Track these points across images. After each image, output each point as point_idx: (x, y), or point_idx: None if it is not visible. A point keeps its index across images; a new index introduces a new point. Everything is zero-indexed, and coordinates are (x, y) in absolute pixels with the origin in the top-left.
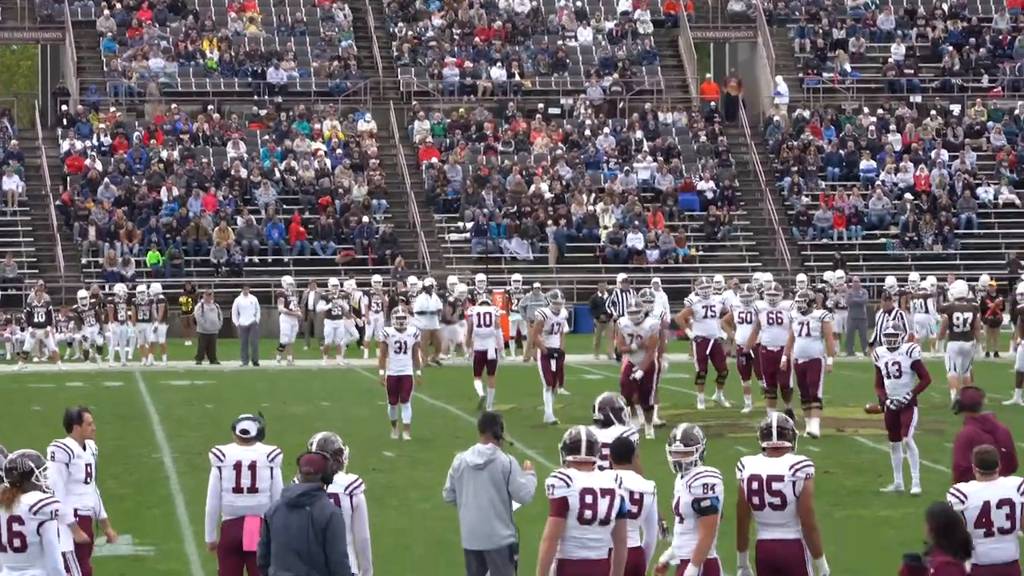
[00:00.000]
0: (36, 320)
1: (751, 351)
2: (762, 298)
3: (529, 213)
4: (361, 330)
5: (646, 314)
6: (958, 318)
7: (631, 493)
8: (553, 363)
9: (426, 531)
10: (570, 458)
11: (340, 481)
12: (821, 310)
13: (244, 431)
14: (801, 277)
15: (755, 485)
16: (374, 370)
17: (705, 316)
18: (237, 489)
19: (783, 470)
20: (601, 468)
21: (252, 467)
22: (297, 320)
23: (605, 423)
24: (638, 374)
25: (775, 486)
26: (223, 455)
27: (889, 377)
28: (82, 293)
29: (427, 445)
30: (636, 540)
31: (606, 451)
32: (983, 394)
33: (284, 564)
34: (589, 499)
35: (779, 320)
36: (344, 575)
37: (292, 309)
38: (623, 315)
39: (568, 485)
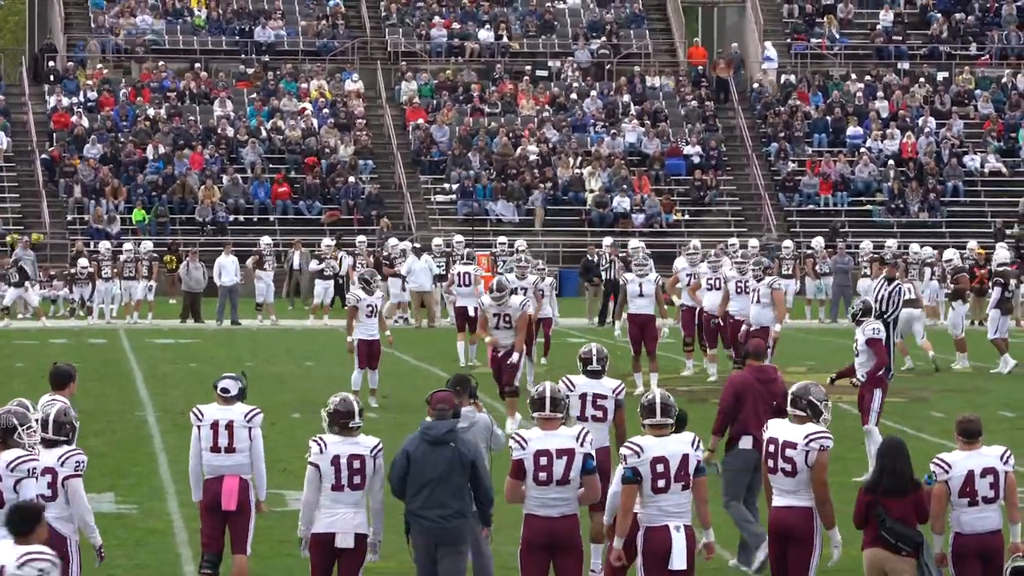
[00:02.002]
0: (12, 279)
1: (720, 319)
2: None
3: (515, 175)
4: (339, 289)
5: (511, 292)
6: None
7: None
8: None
9: None
10: (536, 415)
11: (365, 442)
12: (771, 277)
13: (224, 390)
14: (787, 243)
15: (771, 448)
16: None
17: (690, 283)
18: (215, 449)
19: (798, 438)
20: (596, 419)
21: (229, 427)
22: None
23: (598, 373)
24: (515, 357)
25: (788, 452)
26: (202, 414)
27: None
28: (83, 262)
29: (411, 407)
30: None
31: (604, 403)
32: (767, 345)
33: (434, 499)
34: (544, 461)
35: (747, 289)
36: (491, 504)
37: (267, 269)
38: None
39: (523, 447)
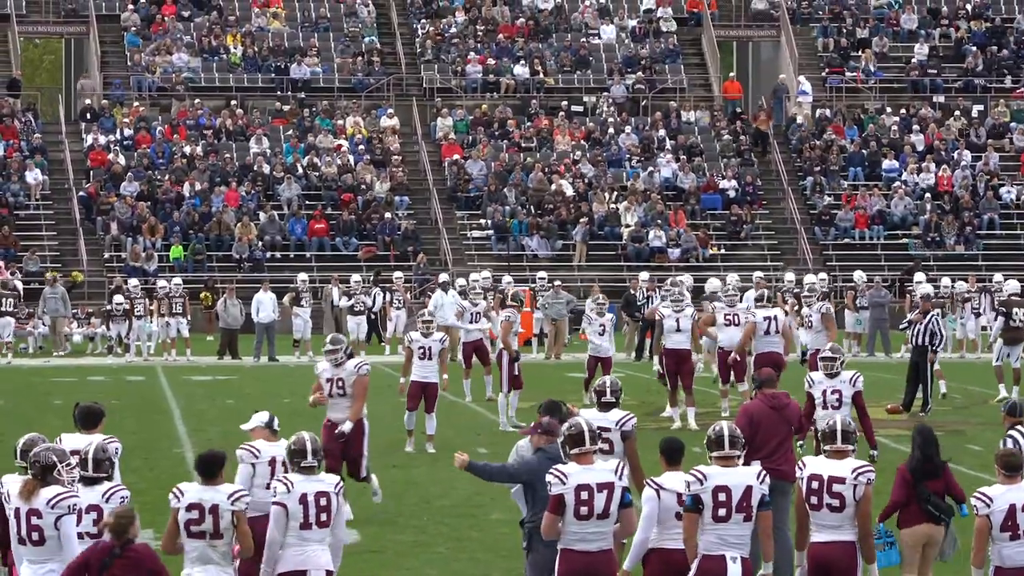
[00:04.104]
0: (3, 308)
1: (738, 354)
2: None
3: (551, 211)
4: (372, 324)
5: (349, 354)
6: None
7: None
8: (516, 366)
9: (445, 528)
10: (575, 451)
11: (328, 480)
12: (822, 303)
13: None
14: (813, 278)
15: (815, 485)
16: (395, 367)
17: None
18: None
19: (845, 472)
20: (603, 451)
21: (284, 464)
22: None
23: (610, 405)
24: (346, 426)
25: (836, 488)
26: (259, 451)
27: (826, 407)
28: (119, 298)
29: (447, 442)
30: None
31: (608, 435)
32: (777, 373)
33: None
34: (584, 495)
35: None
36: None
37: (304, 305)
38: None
39: (563, 482)
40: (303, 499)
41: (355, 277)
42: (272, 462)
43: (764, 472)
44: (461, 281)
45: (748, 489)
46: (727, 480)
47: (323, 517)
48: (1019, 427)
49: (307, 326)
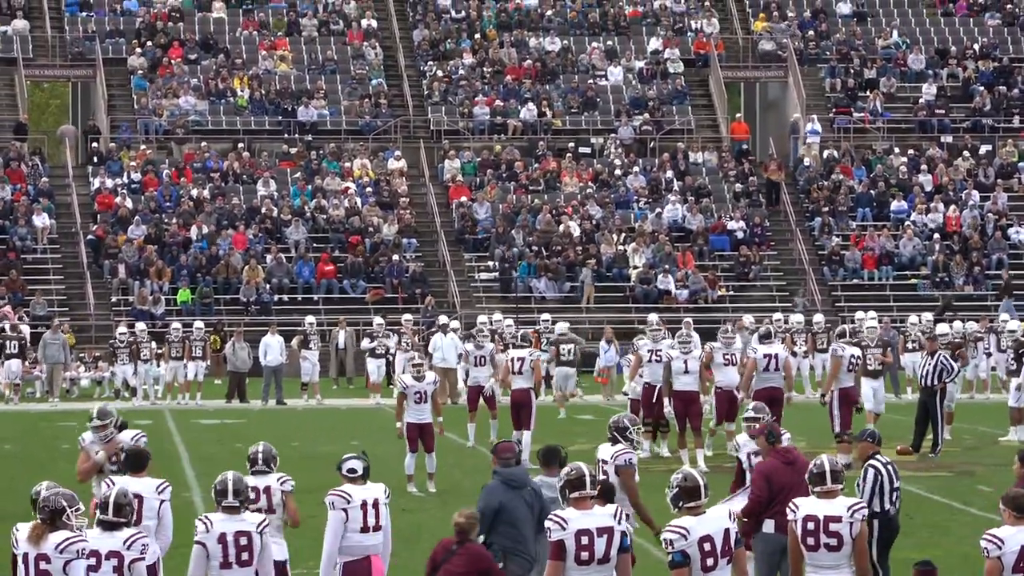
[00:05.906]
0: (8, 351)
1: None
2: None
3: (559, 252)
4: (389, 366)
5: (120, 426)
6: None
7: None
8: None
9: None
10: (574, 495)
11: (251, 519)
12: (834, 344)
13: (351, 470)
14: (818, 318)
15: (811, 526)
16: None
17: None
18: (365, 529)
19: (841, 511)
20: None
21: (375, 505)
22: (316, 358)
23: (612, 441)
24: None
25: (832, 527)
26: (351, 496)
27: (751, 470)
28: (122, 329)
29: (457, 485)
30: None
31: (604, 467)
32: (774, 409)
33: (522, 536)
34: (585, 540)
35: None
36: None
37: (311, 348)
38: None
39: (563, 528)
40: (222, 538)
41: (378, 320)
42: (364, 505)
43: (734, 512)
44: (455, 324)
45: (726, 532)
46: (708, 529)
47: (244, 556)
48: (879, 456)
49: (315, 369)
